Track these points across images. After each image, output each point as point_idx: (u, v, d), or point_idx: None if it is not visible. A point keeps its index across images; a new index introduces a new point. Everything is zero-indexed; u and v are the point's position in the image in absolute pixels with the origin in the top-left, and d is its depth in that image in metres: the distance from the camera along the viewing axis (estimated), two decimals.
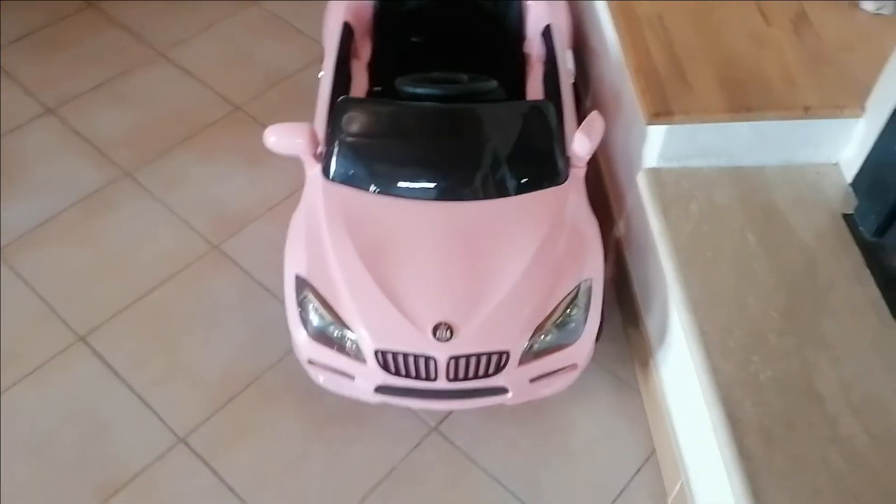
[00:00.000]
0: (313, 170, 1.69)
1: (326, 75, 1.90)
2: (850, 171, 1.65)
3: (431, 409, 1.74)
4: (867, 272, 1.51)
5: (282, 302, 1.74)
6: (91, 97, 2.42)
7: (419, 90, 1.69)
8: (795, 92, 1.60)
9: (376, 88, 1.98)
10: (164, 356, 1.86)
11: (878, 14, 1.76)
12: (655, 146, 1.65)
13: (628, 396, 1.82)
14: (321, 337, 1.56)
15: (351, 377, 1.59)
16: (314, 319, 1.56)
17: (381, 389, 1.58)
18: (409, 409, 1.76)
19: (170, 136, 2.32)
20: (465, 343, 1.49)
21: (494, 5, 2.09)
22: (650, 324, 1.77)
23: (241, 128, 2.35)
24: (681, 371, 1.59)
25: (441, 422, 1.77)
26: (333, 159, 1.66)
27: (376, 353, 1.51)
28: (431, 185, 1.63)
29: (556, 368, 1.59)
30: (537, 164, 1.65)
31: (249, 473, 1.68)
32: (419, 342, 1.49)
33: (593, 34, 2.10)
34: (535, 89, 1.94)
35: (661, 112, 1.56)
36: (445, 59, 2.02)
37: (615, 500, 1.67)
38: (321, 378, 1.65)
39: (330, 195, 1.64)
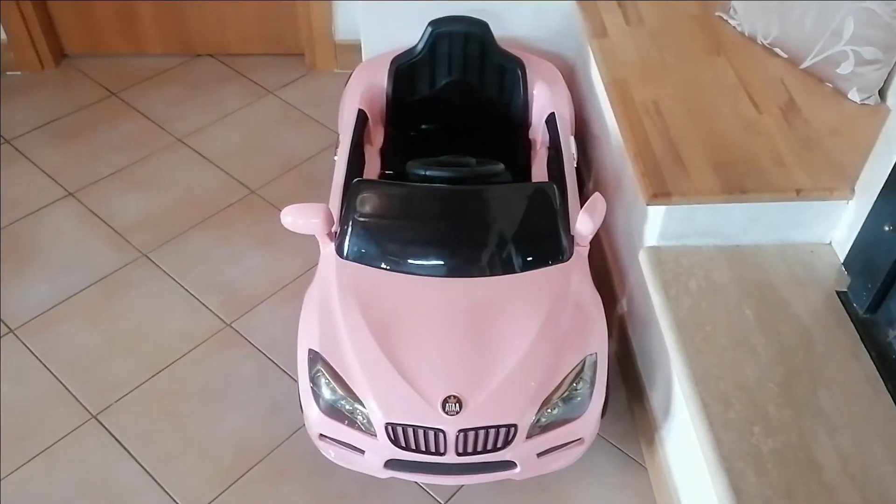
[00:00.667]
0: (328, 248, 1.76)
1: (341, 159, 2.00)
2: (842, 250, 1.71)
3: (440, 484, 1.75)
4: (861, 347, 1.56)
5: (293, 379, 1.78)
6: (110, 182, 2.52)
7: (429, 173, 1.78)
8: (787, 175, 1.68)
9: (387, 172, 2.07)
10: (176, 433, 1.88)
11: (863, 104, 1.86)
12: (655, 226, 1.72)
13: (635, 473, 1.84)
14: (333, 411, 1.60)
15: (361, 452, 1.62)
16: (326, 393, 1.60)
17: (390, 464, 1.61)
18: (418, 486, 1.78)
19: (186, 218, 2.41)
20: (474, 416, 1.53)
21: (500, 95, 2.21)
22: (654, 399, 1.80)
23: (256, 211, 2.44)
24: (685, 444, 1.62)
25: (450, 498, 1.78)
26: (347, 238, 1.73)
27: (386, 426, 1.54)
28: (440, 262, 1.70)
29: (562, 442, 1.62)
30: (542, 243, 1.72)
31: None
32: (429, 416, 1.53)
33: (594, 121, 2.21)
34: (539, 172, 2.03)
35: (659, 193, 1.64)
36: (454, 144, 2.13)
37: None
38: (332, 453, 1.68)
39: (343, 273, 1.71)
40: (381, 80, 2.20)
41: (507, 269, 1.70)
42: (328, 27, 2.91)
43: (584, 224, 1.73)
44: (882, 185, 1.56)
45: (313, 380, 1.62)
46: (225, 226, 2.40)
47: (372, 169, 2.05)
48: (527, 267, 1.71)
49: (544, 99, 2.17)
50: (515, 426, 1.54)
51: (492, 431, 1.54)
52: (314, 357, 1.62)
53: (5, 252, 2.27)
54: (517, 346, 1.59)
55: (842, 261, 1.71)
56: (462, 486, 1.78)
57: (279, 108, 2.85)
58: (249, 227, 2.39)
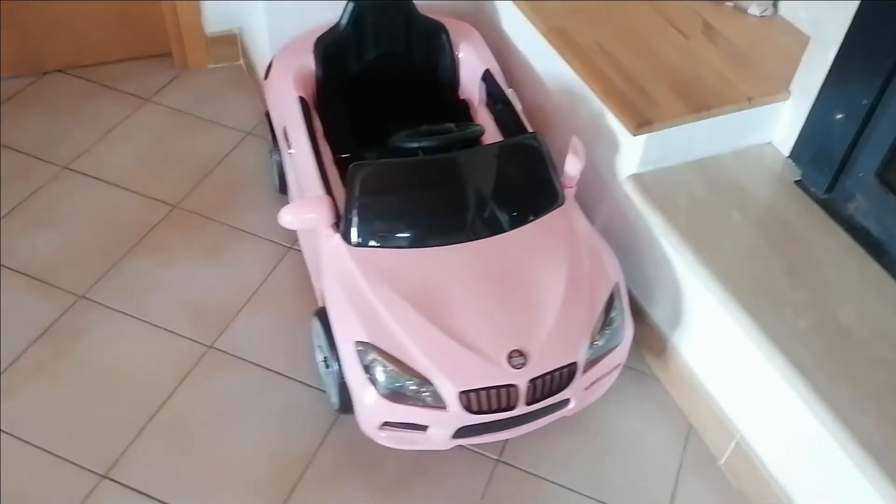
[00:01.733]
0: (332, 239, 1.71)
1: (300, 149, 1.93)
2: (784, 146, 1.94)
3: (502, 439, 1.79)
4: (831, 222, 1.79)
5: (299, 382, 1.75)
6: (7, 226, 2.23)
7: (422, 144, 1.77)
8: (734, 88, 1.87)
9: (343, 156, 2.02)
10: (202, 467, 1.77)
11: (763, 16, 2.09)
12: (635, 155, 1.85)
13: (647, 384, 1.99)
14: (395, 396, 1.58)
15: (423, 429, 1.62)
16: (385, 380, 1.58)
17: (458, 432, 1.62)
18: (470, 450, 1.81)
19: (111, 248, 2.20)
20: (540, 364, 1.58)
21: (427, 60, 2.22)
22: (658, 315, 1.95)
23: (187, 224, 2.29)
24: (710, 343, 1.79)
25: (501, 453, 1.83)
26: (355, 224, 1.69)
27: (460, 395, 1.55)
28: (455, 229, 1.72)
29: (607, 371, 1.72)
30: (542, 191, 1.79)
31: None
32: (499, 374, 1.56)
33: (518, 70, 2.28)
34: (490, 128, 2.08)
35: (643, 123, 1.77)
36: (393, 117, 2.11)
37: (676, 478, 1.81)
38: (391, 439, 1.66)
39: (360, 259, 1.68)
40: (307, 62, 2.13)
41: (519, 221, 1.75)
42: (197, 20, 2.74)
43: (572, 165, 1.82)
44: (822, 83, 1.79)
45: (368, 370, 1.59)
46: (159, 248, 2.22)
47: (325, 156, 2.00)
48: (535, 215, 1.77)
49: (472, 58, 2.22)
50: (575, 364, 1.62)
51: (556, 375, 1.60)
52: (364, 348, 1.59)
53: None
54: (554, 290, 1.66)
55: (787, 154, 1.93)
56: (507, 438, 1.83)
57: (164, 114, 2.65)
58: (188, 244, 2.23)
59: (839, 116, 1.75)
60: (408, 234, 1.71)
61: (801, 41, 1.86)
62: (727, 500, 1.78)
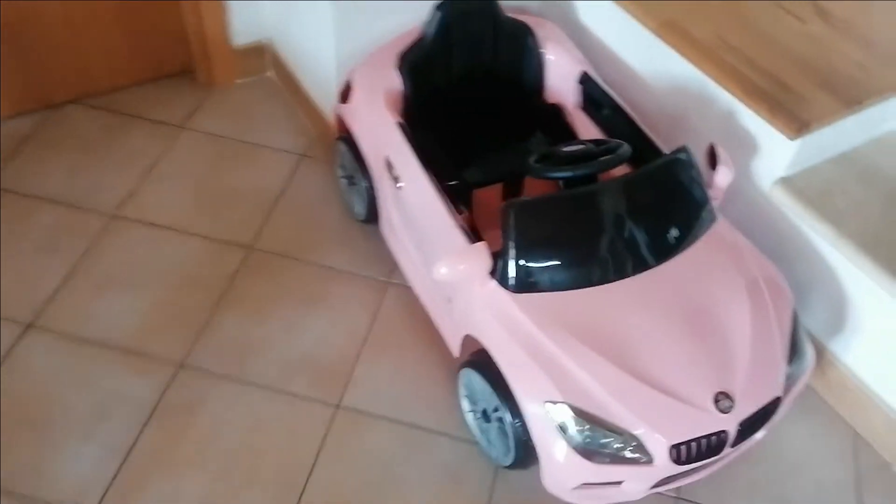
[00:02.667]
0: (487, 286, 1.56)
1: (419, 186, 1.75)
2: None
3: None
4: None
5: (445, 434, 1.72)
6: (68, 295, 1.99)
7: (570, 174, 1.62)
8: (873, 75, 1.77)
9: (451, 183, 1.86)
10: None
11: None
12: (785, 158, 1.74)
13: (806, 396, 1.89)
14: (592, 454, 1.46)
15: (619, 483, 1.51)
16: (584, 439, 1.45)
17: (658, 482, 1.52)
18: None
19: (195, 304, 1.99)
20: (747, 405, 1.49)
21: (512, 64, 2.05)
22: (813, 322, 1.86)
23: (270, 268, 2.09)
24: (882, 346, 1.71)
25: (678, 491, 1.74)
26: (517, 268, 1.54)
27: (671, 449, 1.44)
28: (626, 261, 1.59)
29: (796, 395, 1.63)
30: (700, 208, 1.67)
31: None
32: (710, 422, 1.46)
33: (614, 71, 2.13)
34: (594, 134, 1.95)
35: (801, 126, 1.65)
36: (487, 132, 1.99)
37: (857, 488, 1.75)
38: (583, 497, 1.55)
39: (528, 306, 1.53)
40: (393, 81, 1.94)
41: (684, 244, 1.63)
42: (224, 33, 2.48)
43: (723, 176, 1.70)
44: None
45: (563, 429, 1.46)
46: (248, 298, 2.02)
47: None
48: (696, 236, 1.65)
49: (563, 60, 2.06)
50: (779, 398, 1.53)
51: (761, 413, 1.51)
52: (557, 407, 1.46)
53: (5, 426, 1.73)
54: (740, 317, 1.56)
55: None
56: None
57: (206, 142, 2.40)
58: (278, 291, 2.04)
59: None
60: (574, 273, 1.57)
61: None
62: None
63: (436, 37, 1.95)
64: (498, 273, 1.57)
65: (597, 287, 1.56)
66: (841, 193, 1.75)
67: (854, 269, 1.68)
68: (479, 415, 1.72)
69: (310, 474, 1.71)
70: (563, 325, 1.52)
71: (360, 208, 2.13)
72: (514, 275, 1.55)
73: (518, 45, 2.05)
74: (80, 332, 1.91)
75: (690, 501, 1.73)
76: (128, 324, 1.93)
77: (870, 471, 1.79)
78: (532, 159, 1.69)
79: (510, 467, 1.67)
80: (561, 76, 2.07)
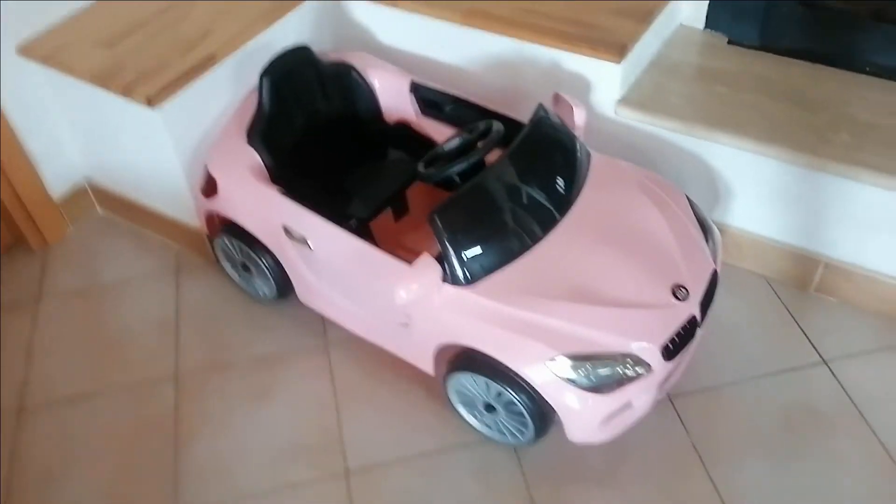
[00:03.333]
0: (443, 293, 1.65)
1: (329, 235, 1.80)
2: (696, 22, 2.17)
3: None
4: (788, 59, 2.06)
5: (458, 446, 1.70)
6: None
7: (465, 165, 1.74)
8: None
9: (352, 221, 1.92)
10: None
11: None
12: (614, 82, 1.99)
13: None
14: (602, 388, 1.58)
15: (630, 406, 1.64)
16: (589, 379, 1.57)
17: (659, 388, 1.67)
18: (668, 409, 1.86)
19: (157, 453, 1.88)
20: (698, 285, 1.68)
21: (346, 101, 2.16)
22: None
23: (208, 385, 2.01)
24: (755, 198, 1.99)
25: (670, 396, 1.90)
26: (463, 264, 1.64)
27: (662, 350, 1.60)
28: (545, 219, 1.72)
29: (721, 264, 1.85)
30: (577, 151, 1.84)
31: None
32: (679, 313, 1.63)
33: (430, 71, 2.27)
34: (447, 132, 2.06)
35: (621, 49, 1.90)
36: (346, 169, 2.11)
37: (798, 319, 2.01)
38: (608, 430, 1.66)
39: (487, 292, 1.63)
40: (250, 156, 1.96)
41: (581, 184, 1.80)
42: (40, 191, 2.36)
43: (580, 116, 1.89)
44: None
45: (571, 380, 1.57)
46: (202, 421, 1.94)
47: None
48: (586, 173, 1.83)
49: (389, 80, 2.17)
50: (716, 270, 1.73)
51: (709, 287, 1.70)
52: (557, 361, 1.57)
53: None
54: (654, 222, 1.75)
55: (703, 27, 2.17)
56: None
57: (70, 301, 2.26)
58: (228, 399, 1.97)
59: None
60: (507, 247, 1.68)
61: None
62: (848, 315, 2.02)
63: (271, 102, 1.99)
64: (448, 276, 1.65)
65: (531, 250, 1.69)
66: (667, 92, 2.01)
67: (710, 145, 1.94)
68: (480, 412, 1.79)
69: None
70: (522, 292, 1.62)
71: (267, 290, 2.11)
72: (462, 270, 1.64)
73: (345, 83, 2.14)
74: None
75: (680, 394, 1.89)
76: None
77: (793, 300, 2.06)
78: (421, 168, 1.79)
79: (531, 443, 1.76)
80: (392, 95, 2.18)
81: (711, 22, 2.15)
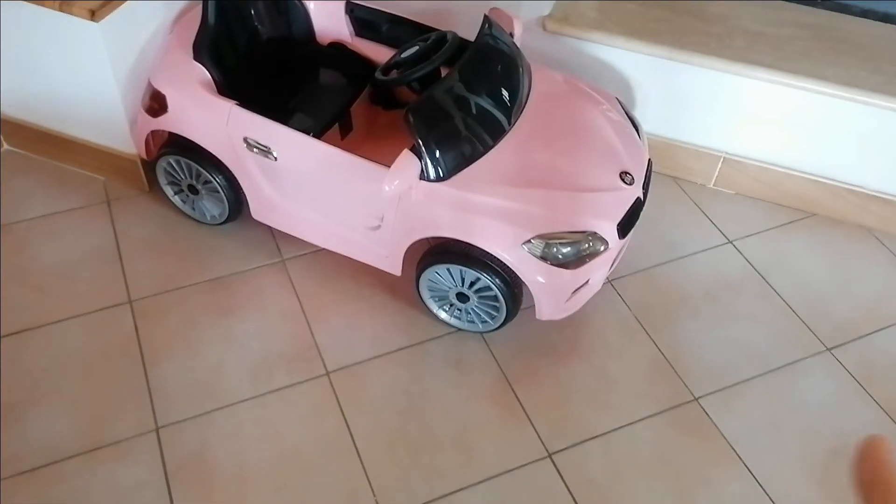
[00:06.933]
0: (419, 189, 1.76)
1: (295, 143, 1.85)
2: None
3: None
4: None
5: (430, 339, 1.81)
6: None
7: (432, 66, 1.85)
8: None
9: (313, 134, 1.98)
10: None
11: None
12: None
13: None
14: (570, 264, 1.78)
15: (587, 283, 1.85)
16: (560, 255, 1.76)
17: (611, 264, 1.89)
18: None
19: (126, 376, 1.87)
20: (639, 171, 1.90)
21: (283, 24, 2.18)
22: None
23: (166, 307, 2.01)
24: (670, 104, 2.25)
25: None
26: (436, 161, 1.75)
27: (617, 227, 1.81)
28: (506, 117, 1.87)
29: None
30: (521, 59, 2.00)
31: None
32: (629, 195, 1.85)
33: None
34: (385, 52, 2.15)
35: None
36: (287, 88, 2.15)
37: (701, 209, 2.31)
38: (571, 306, 1.86)
39: (463, 184, 1.76)
40: (199, 72, 1.95)
41: (530, 87, 1.96)
42: None
43: (518, 28, 2.05)
44: None
45: (544, 258, 1.75)
46: (168, 341, 1.94)
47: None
48: (530, 79, 1.99)
49: (321, 2, 2.21)
50: (650, 160, 1.97)
51: (648, 174, 1.94)
52: (532, 242, 1.73)
53: None
54: (596, 119, 1.95)
55: None
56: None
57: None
58: (191, 319, 1.98)
59: None
60: (475, 144, 1.81)
61: None
62: (743, 203, 2.34)
63: (217, 21, 1.98)
64: (424, 172, 1.76)
65: (497, 147, 1.83)
66: (586, 9, 2.21)
67: (628, 54, 2.16)
68: (451, 305, 1.93)
69: (352, 436, 1.79)
70: (493, 183, 1.77)
71: (216, 211, 2.12)
72: (435, 166, 1.76)
73: (280, 4, 2.16)
74: (38, 461, 1.71)
75: (618, 280, 2.14)
76: (74, 427, 1.77)
77: (698, 194, 2.36)
78: (379, 75, 1.88)
79: (498, 328, 1.92)
80: (327, 17, 2.22)
81: None
